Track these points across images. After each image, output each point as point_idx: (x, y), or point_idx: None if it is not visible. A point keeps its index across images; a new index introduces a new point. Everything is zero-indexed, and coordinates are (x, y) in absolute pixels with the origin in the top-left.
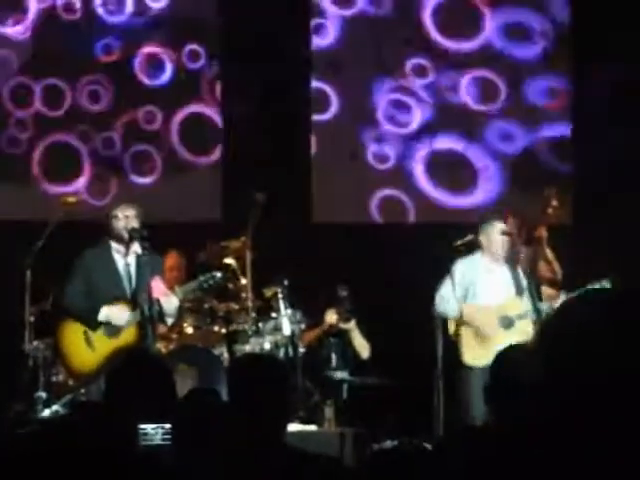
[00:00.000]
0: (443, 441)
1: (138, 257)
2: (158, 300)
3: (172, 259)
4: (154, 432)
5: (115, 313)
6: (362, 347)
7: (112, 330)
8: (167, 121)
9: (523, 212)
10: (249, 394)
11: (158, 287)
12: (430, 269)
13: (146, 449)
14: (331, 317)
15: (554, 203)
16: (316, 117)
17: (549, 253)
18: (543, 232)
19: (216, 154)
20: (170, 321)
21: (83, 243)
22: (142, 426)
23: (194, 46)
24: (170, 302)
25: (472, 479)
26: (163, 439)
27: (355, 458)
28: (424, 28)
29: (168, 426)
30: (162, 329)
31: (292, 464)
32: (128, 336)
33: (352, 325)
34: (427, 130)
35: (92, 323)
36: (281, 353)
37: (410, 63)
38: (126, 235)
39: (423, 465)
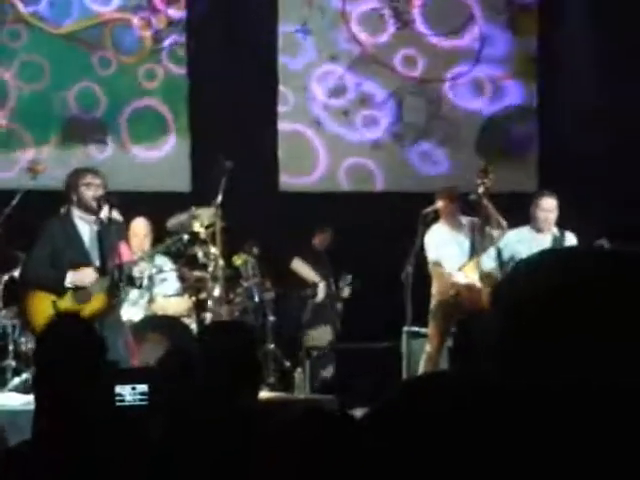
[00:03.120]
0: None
1: (102, 224)
2: (128, 265)
3: (139, 225)
4: (128, 393)
5: (80, 275)
6: None
7: (81, 297)
8: None
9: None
10: (219, 361)
11: (124, 252)
12: (398, 237)
13: (120, 409)
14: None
15: (490, 175)
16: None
17: (501, 220)
18: (488, 204)
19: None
20: (141, 283)
21: (53, 210)
22: (117, 388)
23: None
24: (139, 266)
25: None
26: (138, 400)
27: None
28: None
29: (143, 387)
30: (133, 295)
31: (265, 429)
32: (97, 303)
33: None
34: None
35: (59, 290)
36: (251, 320)
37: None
38: (94, 203)
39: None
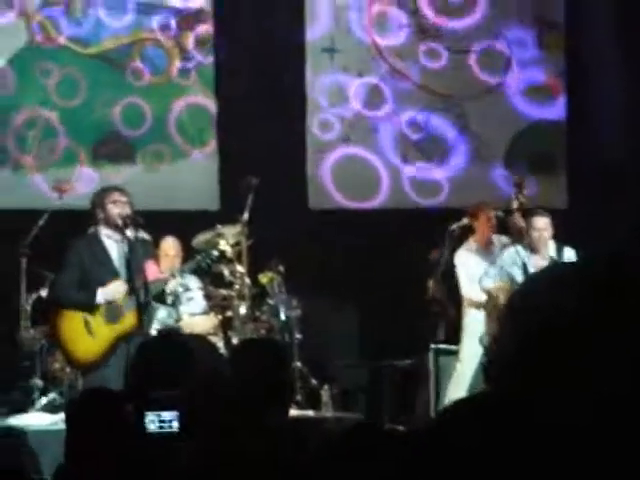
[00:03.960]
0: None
1: (130, 242)
2: (158, 282)
3: (169, 244)
4: (157, 420)
5: (110, 290)
6: None
7: (112, 316)
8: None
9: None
10: (251, 379)
11: (152, 271)
12: (427, 253)
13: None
14: None
15: (525, 191)
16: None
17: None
18: (521, 221)
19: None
20: (173, 300)
21: (80, 230)
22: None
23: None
24: (170, 283)
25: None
26: (167, 427)
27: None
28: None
29: (172, 414)
30: (161, 314)
31: (296, 449)
32: (128, 321)
33: None
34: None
35: (90, 307)
36: (278, 338)
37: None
38: (120, 222)
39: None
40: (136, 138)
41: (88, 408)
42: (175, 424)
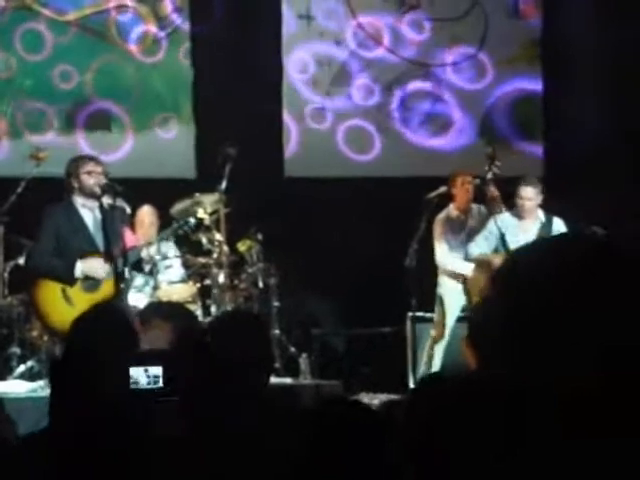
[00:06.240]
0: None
1: (105, 210)
2: (135, 250)
3: (146, 213)
4: (140, 376)
5: (92, 266)
6: None
7: (90, 284)
8: None
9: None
10: (232, 351)
11: (129, 238)
12: (403, 222)
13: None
14: None
15: (497, 162)
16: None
17: (504, 210)
18: (494, 191)
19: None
20: (150, 268)
21: (58, 197)
22: (131, 370)
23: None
24: (147, 250)
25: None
26: (152, 382)
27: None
28: None
29: (155, 370)
30: (138, 282)
31: (275, 418)
32: (106, 289)
33: None
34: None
35: (68, 280)
36: (256, 306)
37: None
38: (98, 191)
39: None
40: (112, 106)
41: (73, 367)
42: (158, 380)
